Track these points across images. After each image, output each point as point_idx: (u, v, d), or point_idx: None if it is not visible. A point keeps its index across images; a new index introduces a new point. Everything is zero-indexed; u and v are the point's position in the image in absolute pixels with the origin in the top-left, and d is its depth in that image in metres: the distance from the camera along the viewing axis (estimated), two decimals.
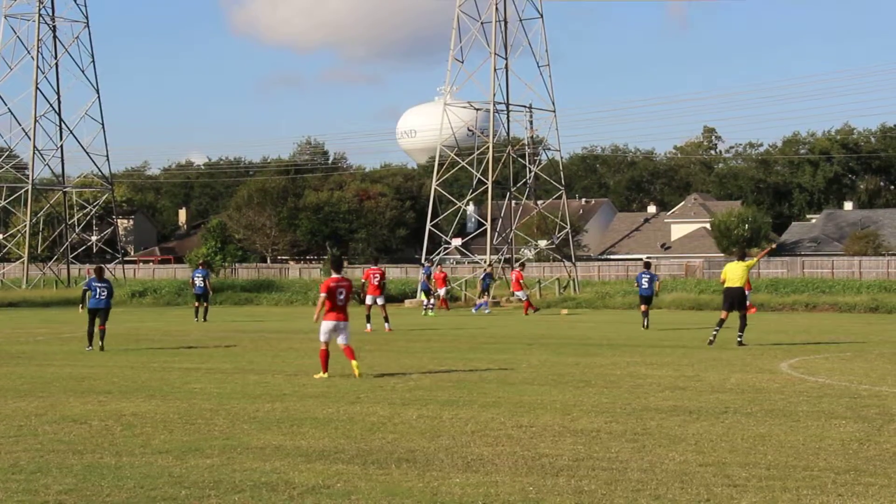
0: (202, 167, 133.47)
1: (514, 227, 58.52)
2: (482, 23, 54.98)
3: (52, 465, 9.94)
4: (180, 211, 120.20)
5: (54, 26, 68.27)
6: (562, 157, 62.87)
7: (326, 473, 9.50)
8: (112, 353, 22.16)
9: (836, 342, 25.31)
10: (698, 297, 47.46)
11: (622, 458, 10.16)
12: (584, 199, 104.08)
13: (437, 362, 19.84)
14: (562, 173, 60.05)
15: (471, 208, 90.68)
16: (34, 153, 67.84)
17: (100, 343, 23.03)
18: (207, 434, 11.61)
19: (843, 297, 46.62)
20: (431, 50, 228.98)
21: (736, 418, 12.65)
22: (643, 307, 31.37)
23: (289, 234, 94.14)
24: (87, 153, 69.58)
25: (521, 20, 56.21)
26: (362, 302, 30.90)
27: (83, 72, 68.64)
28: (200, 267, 38.61)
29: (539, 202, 63.04)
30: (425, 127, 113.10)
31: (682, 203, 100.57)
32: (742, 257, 24.36)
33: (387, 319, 30.16)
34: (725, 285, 23.85)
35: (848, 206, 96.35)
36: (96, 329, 23.16)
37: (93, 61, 69.23)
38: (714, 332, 23.95)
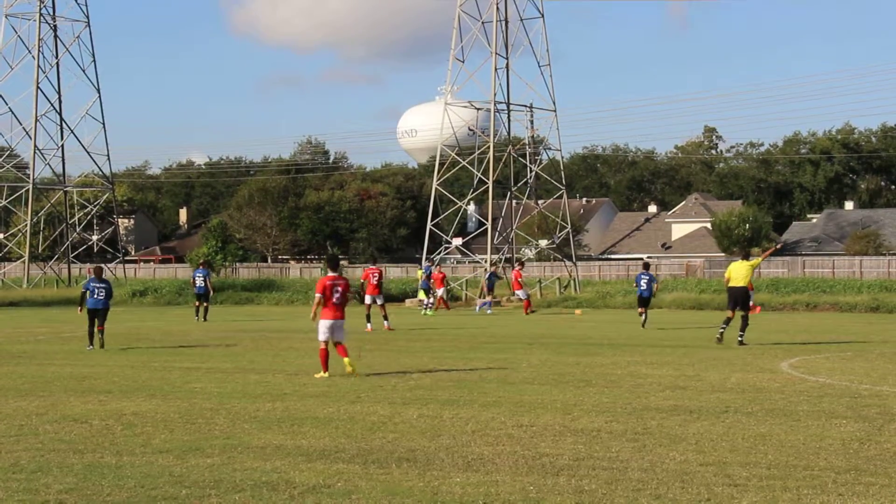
0: (203, 167, 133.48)
1: (514, 227, 58.48)
2: (483, 22, 54.96)
3: (53, 464, 9.94)
4: (181, 210, 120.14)
5: (55, 26, 68.29)
6: (562, 157, 62.95)
7: (327, 473, 9.49)
8: (113, 353, 22.17)
9: (836, 342, 25.30)
10: (699, 296, 47.61)
11: (623, 458, 10.16)
12: (584, 199, 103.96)
13: (437, 362, 19.85)
14: (562, 173, 60.08)
15: (471, 208, 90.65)
16: (35, 152, 67.84)
17: (100, 338, 23.08)
18: (208, 433, 11.61)
19: (844, 297, 46.69)
20: (432, 50, 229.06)
21: (736, 418, 12.65)
22: (640, 309, 31.34)
23: (289, 234, 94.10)
24: (87, 153, 69.68)
25: (521, 20, 56.20)
26: (362, 301, 30.99)
27: (84, 71, 68.71)
28: (201, 266, 38.61)
29: (540, 202, 63.05)
30: (426, 126, 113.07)
31: (683, 203, 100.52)
32: (746, 257, 24.41)
33: (386, 318, 30.32)
34: (729, 284, 23.91)
35: (849, 205, 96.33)
36: (96, 329, 23.20)
37: (93, 61, 69.31)
38: (721, 330, 24.01)
